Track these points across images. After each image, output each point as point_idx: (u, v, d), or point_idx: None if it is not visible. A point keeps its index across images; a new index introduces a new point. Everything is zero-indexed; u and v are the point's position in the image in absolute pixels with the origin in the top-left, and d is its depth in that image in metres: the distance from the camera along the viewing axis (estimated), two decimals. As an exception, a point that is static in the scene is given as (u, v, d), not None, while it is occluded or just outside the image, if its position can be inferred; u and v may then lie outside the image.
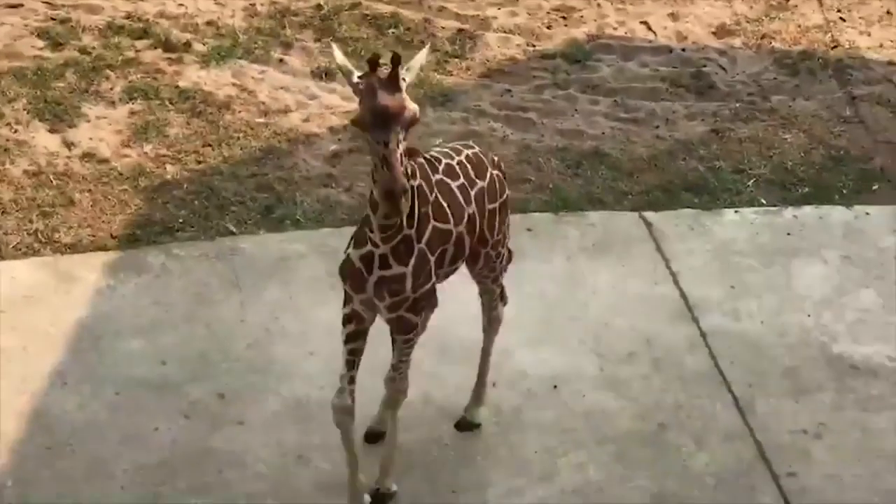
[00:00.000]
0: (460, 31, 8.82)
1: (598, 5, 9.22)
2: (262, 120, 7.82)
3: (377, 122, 4.17)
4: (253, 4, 8.98)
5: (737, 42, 8.88)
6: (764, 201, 7.31)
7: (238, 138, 7.65)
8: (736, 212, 7.19)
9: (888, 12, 9.24)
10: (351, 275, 4.70)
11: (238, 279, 6.47)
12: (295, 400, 5.74)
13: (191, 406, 5.69)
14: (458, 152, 5.02)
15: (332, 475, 5.33)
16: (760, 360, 6.08)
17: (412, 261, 4.61)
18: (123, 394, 5.74)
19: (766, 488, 5.38)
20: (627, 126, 8.00)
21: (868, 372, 6.02)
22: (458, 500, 5.22)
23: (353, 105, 7.90)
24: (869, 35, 8.98)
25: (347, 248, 4.74)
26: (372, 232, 4.55)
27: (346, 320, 4.85)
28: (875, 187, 7.52)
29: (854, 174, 7.60)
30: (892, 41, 8.94)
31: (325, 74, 8.24)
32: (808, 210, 7.23)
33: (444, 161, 4.89)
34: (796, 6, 9.27)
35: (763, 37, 8.93)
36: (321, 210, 7.04)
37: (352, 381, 4.89)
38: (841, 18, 9.16)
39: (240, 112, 7.88)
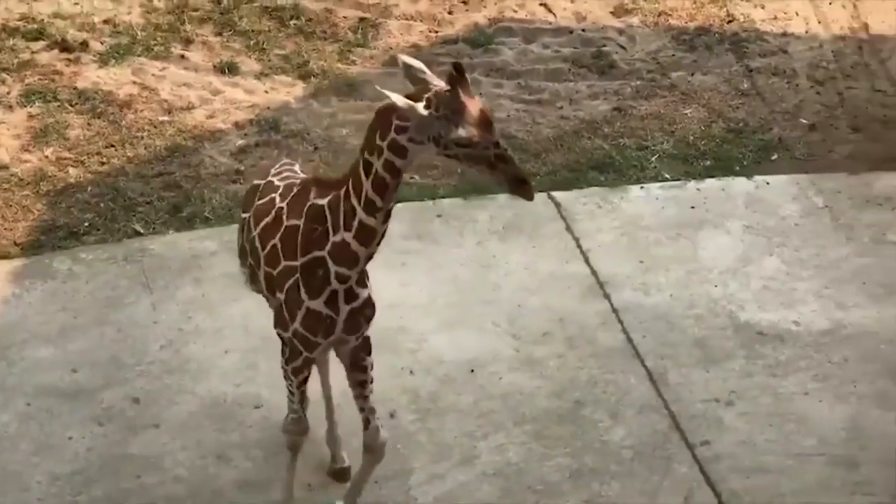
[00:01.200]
0: (362, 19, 8.81)
1: (498, -12, 9.26)
2: (165, 118, 7.74)
3: (486, 126, 4.07)
4: (150, 0, 8.86)
5: (635, 21, 8.99)
6: (668, 176, 7.43)
7: (142, 137, 7.57)
8: (642, 188, 7.30)
9: (780, -16, 9.43)
10: (318, 329, 4.51)
11: (148, 280, 6.41)
12: (212, 399, 5.71)
13: (105, 412, 5.62)
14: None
15: (253, 473, 5.33)
16: (671, 333, 6.19)
17: (367, 280, 4.58)
18: (35, 403, 5.66)
19: (682, 457, 5.49)
20: (532, 108, 8.06)
21: (775, 338, 6.16)
22: (381, 489, 5.23)
23: (258, 99, 7.95)
24: (763, 8, 9.14)
25: (293, 321, 4.49)
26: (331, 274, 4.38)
27: (299, 370, 4.70)
28: (774, 157, 7.68)
29: (753, 145, 7.75)
30: (785, 13, 9.11)
31: (227, 69, 8.18)
32: (710, 182, 7.36)
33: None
34: (691, -18, 9.41)
35: (660, 14, 9.05)
36: (230, 206, 6.99)
37: (304, 403, 4.87)
38: (735, -8, 9.33)
39: (142, 111, 7.79)
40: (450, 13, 8.99)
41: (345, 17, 8.81)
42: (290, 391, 4.82)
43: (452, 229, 6.88)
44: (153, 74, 8.14)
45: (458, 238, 6.82)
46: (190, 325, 6.12)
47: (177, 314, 6.18)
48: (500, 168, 4.12)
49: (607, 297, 6.40)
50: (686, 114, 8.02)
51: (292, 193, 4.62)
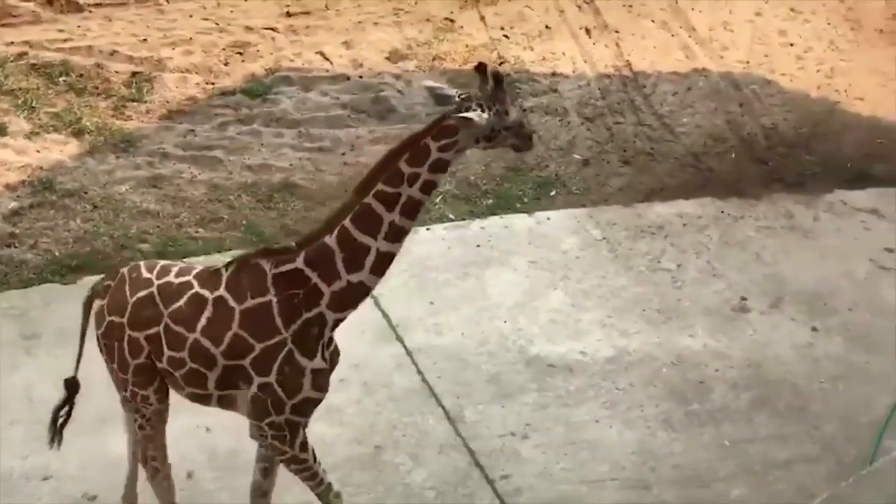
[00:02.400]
0: (135, 73, 8.64)
1: (273, 39, 9.26)
2: (-71, 188, 7.39)
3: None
4: None
5: (410, 65, 9.16)
6: (453, 216, 7.58)
7: None
8: (428, 229, 7.40)
9: (547, 27, 9.77)
10: (325, 385, 4.50)
11: (-79, 355, 6.08)
12: (-2, 475, 5.45)
13: None
14: None
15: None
16: (465, 371, 6.30)
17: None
18: None
19: (484, 493, 5.58)
20: (315, 155, 8.08)
21: (564, 368, 6.35)
22: (184, 551, 5.11)
23: (29, 159, 7.67)
24: (532, 49, 9.46)
25: (294, 395, 4.40)
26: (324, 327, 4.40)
27: (304, 442, 4.61)
28: (552, 193, 7.94)
29: (532, 182, 8.00)
30: (553, 53, 9.46)
31: (-7, 130, 7.89)
32: (494, 220, 7.56)
33: None
34: (462, 27, 9.65)
35: (435, 58, 9.25)
36: (5, 272, 6.73)
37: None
38: (505, 36, 9.62)
39: None
40: (226, 64, 8.93)
41: (117, 72, 8.62)
42: (305, 470, 4.67)
43: (241, 282, 6.80)
44: (-87, 141, 7.76)
45: (247, 290, 6.74)
46: (-31, 400, 5.83)
47: (-46, 389, 5.89)
48: (523, 133, 4.51)
49: (400, 339, 6.47)
50: (465, 155, 8.18)
51: (225, 278, 4.42)
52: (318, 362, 4.43)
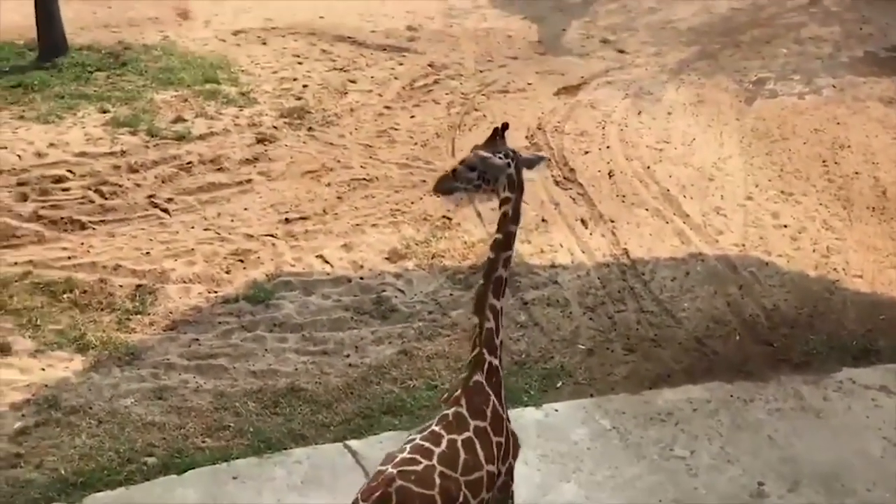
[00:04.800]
0: (139, 286, 8.72)
1: (273, 245, 9.40)
2: (-67, 407, 7.35)
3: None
4: (-88, 287, 8.56)
5: (410, 264, 9.27)
6: (460, 413, 7.50)
7: None
8: (435, 428, 7.33)
9: (543, 219, 9.94)
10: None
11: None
12: None
13: None
14: None
15: None
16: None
17: None
18: None
19: None
20: (319, 358, 8.09)
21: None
22: None
23: (34, 377, 7.67)
24: (529, 243, 9.59)
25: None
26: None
27: None
28: (559, 384, 7.91)
29: (538, 374, 7.98)
30: (550, 245, 9.59)
31: (-1, 350, 7.90)
32: (502, 415, 7.47)
33: None
34: (459, 224, 9.81)
35: (433, 257, 9.36)
36: (11, 493, 6.63)
37: None
38: (502, 231, 9.74)
39: None
40: (227, 272, 9.03)
41: (120, 286, 8.71)
42: None
43: (249, 490, 6.71)
44: (-80, 364, 7.77)
45: (256, 498, 6.65)
46: None
47: None
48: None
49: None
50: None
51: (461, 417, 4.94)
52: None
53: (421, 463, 4.66)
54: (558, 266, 9.32)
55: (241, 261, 9.19)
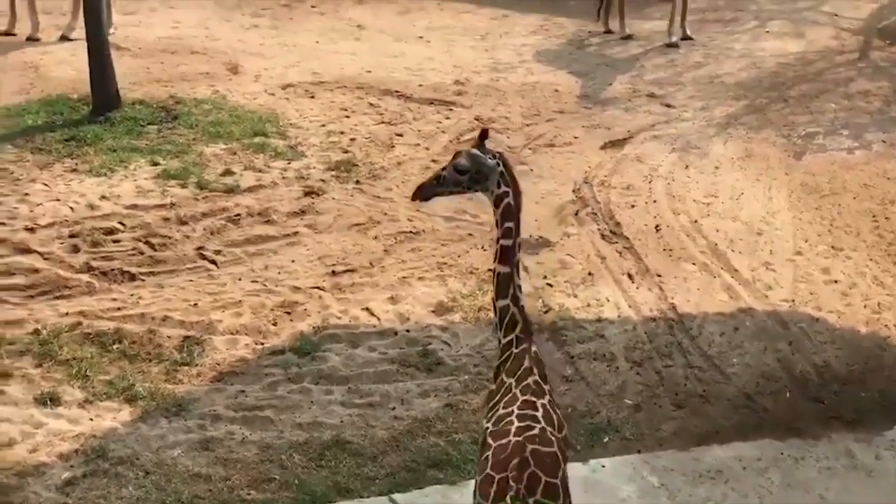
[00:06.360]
0: (186, 337, 8.77)
1: (320, 297, 9.44)
2: (-15, 456, 7.40)
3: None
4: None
5: (456, 317, 9.26)
6: (506, 468, 7.45)
7: (-43, 478, 7.19)
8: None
9: (589, 273, 9.92)
10: None
11: None
12: None
13: None
14: None
15: None
16: None
17: None
18: None
19: None
20: (364, 411, 8.08)
21: None
22: None
23: (83, 428, 7.72)
24: (576, 297, 9.56)
25: None
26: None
27: None
28: (606, 440, 7.85)
29: (584, 429, 7.92)
30: (597, 299, 9.55)
31: (49, 400, 7.93)
32: (548, 471, 7.41)
33: None
34: (506, 277, 9.77)
35: (479, 309, 9.34)
36: (57, 543, 6.66)
37: None
38: (548, 284, 9.75)
39: (-43, 454, 7.43)
40: (274, 324, 9.07)
41: (169, 337, 8.76)
42: None
43: (295, 544, 6.69)
44: (-30, 411, 7.85)
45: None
46: None
47: None
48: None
49: None
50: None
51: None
52: None
53: (535, 427, 4.98)
54: (605, 320, 9.28)
55: (288, 313, 9.22)
